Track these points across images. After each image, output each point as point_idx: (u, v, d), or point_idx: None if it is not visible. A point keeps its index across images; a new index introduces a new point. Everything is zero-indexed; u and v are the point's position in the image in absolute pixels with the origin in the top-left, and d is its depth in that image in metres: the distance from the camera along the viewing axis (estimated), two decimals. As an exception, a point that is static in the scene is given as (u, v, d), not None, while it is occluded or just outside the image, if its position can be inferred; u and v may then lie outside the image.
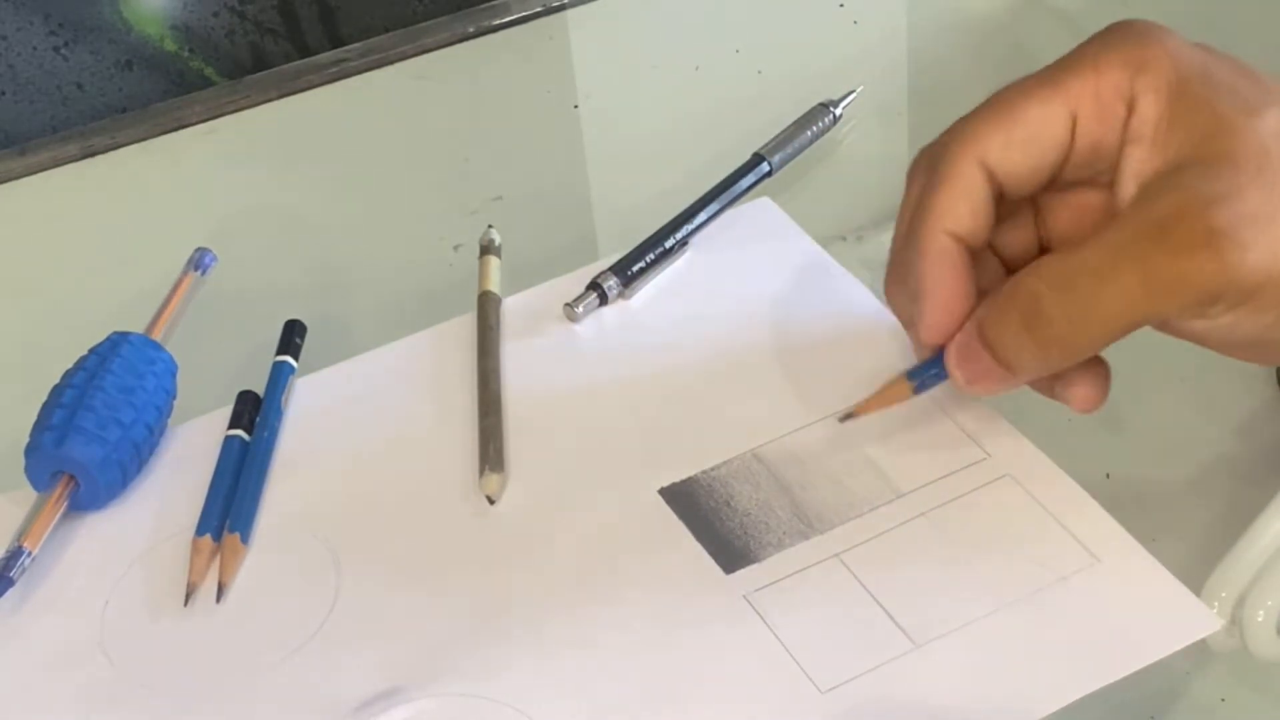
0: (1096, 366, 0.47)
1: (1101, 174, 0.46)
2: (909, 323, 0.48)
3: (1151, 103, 0.44)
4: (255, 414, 0.54)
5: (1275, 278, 0.41)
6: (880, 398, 0.49)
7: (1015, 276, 0.45)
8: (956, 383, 0.47)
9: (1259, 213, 0.41)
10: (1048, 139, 0.45)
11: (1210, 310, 0.42)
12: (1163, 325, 0.45)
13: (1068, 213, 0.48)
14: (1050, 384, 0.47)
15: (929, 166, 0.47)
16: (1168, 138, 0.43)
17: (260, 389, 0.55)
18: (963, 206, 0.46)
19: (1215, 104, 0.43)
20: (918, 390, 0.48)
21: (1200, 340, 0.44)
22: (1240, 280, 0.41)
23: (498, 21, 0.78)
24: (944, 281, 0.46)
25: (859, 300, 0.56)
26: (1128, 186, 0.44)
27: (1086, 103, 0.45)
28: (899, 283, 0.48)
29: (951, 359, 0.46)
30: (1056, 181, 0.47)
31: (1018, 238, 0.49)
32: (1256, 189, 0.41)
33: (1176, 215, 0.42)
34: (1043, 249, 0.49)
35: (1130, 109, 0.44)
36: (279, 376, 0.56)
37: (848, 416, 0.49)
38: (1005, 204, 0.47)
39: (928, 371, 0.48)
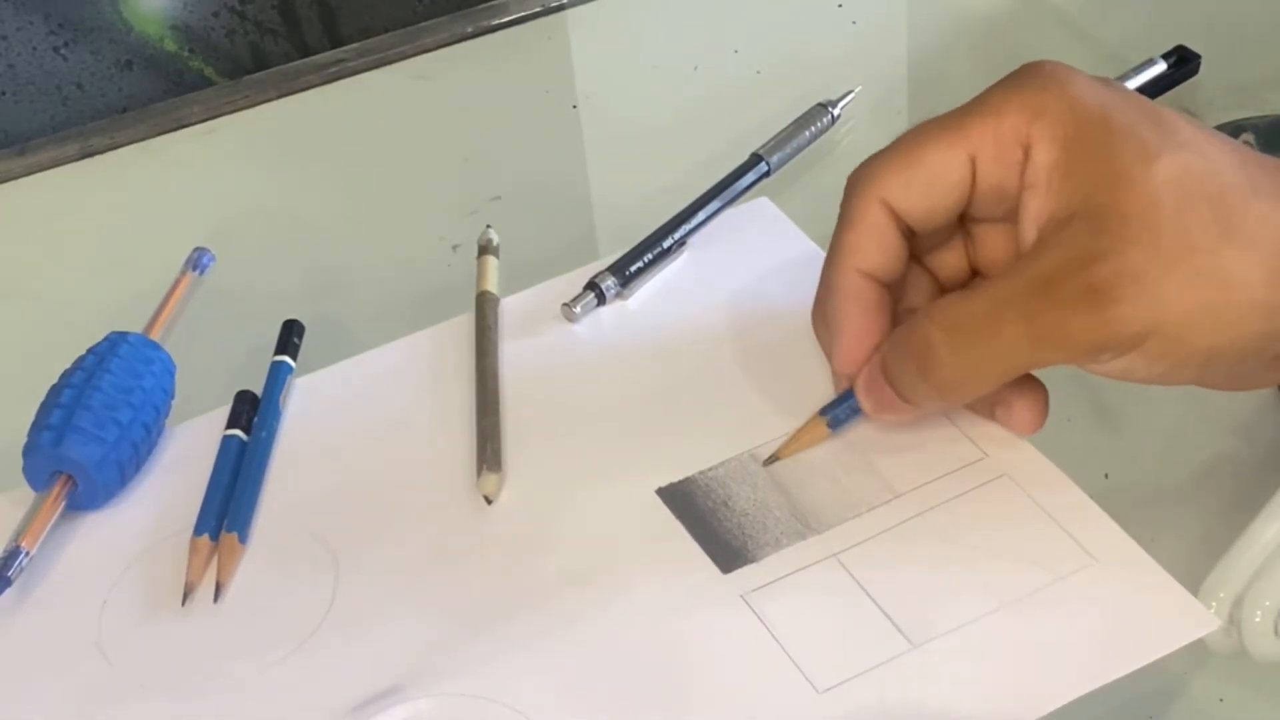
0: (1032, 388, 0.48)
1: (1011, 212, 0.46)
2: (828, 354, 0.50)
3: (1045, 150, 0.45)
4: (253, 414, 0.54)
5: (1157, 331, 0.42)
6: (799, 440, 0.50)
7: (914, 316, 0.46)
8: (867, 411, 0.49)
9: (1140, 269, 0.42)
10: (947, 181, 0.47)
11: (1100, 358, 0.44)
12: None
13: (992, 240, 0.49)
14: (990, 409, 0.49)
15: (843, 204, 0.48)
16: (1061, 186, 0.44)
17: (258, 389, 0.55)
18: (870, 244, 0.48)
19: (1110, 153, 0.43)
20: (832, 426, 0.50)
21: (1107, 377, 0.45)
22: (1120, 334, 0.42)
23: (497, 21, 0.78)
24: (853, 316, 0.48)
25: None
26: (1027, 229, 0.45)
27: (987, 147, 0.46)
28: (820, 316, 0.50)
29: (860, 388, 0.49)
30: (972, 215, 0.48)
31: (949, 261, 0.50)
32: (1140, 244, 0.42)
33: (1059, 271, 0.43)
34: (974, 271, 0.50)
35: (1027, 154, 0.45)
36: (277, 376, 0.56)
37: (771, 460, 0.50)
38: (933, 234, 0.49)
39: (841, 407, 0.50)
